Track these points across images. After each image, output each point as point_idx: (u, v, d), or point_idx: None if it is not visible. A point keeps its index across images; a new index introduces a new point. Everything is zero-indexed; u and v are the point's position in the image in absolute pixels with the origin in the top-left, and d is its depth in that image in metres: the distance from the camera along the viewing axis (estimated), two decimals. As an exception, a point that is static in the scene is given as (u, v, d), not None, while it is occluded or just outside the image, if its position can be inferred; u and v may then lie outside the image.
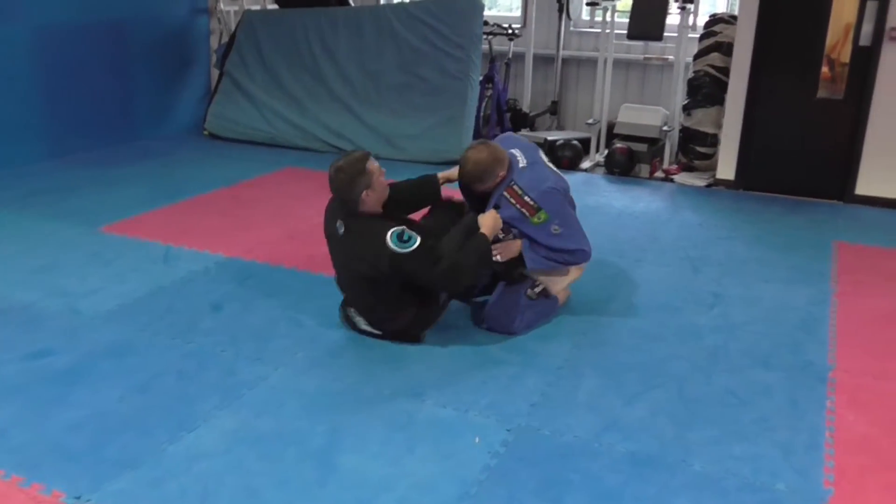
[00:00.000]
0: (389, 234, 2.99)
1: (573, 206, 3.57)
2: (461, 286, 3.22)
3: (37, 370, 3.03)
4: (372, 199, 3.11)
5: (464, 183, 3.42)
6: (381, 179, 3.14)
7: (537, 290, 3.43)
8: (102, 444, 2.57)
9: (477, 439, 2.63)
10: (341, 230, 3.16)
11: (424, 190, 3.57)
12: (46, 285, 3.82)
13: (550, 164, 3.58)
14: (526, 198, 3.28)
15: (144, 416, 2.74)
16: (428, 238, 3.05)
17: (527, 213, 3.29)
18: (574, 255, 3.43)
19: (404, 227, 3.04)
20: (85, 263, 4.12)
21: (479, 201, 3.44)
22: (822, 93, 5.50)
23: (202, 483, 2.38)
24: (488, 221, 3.24)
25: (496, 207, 3.33)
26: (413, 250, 2.98)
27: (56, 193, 5.35)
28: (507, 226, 3.33)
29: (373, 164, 3.12)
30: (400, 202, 3.35)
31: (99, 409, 2.77)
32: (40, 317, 3.49)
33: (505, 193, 3.31)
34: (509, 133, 3.78)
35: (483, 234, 3.18)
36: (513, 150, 3.43)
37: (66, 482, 2.37)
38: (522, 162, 3.38)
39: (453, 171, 3.50)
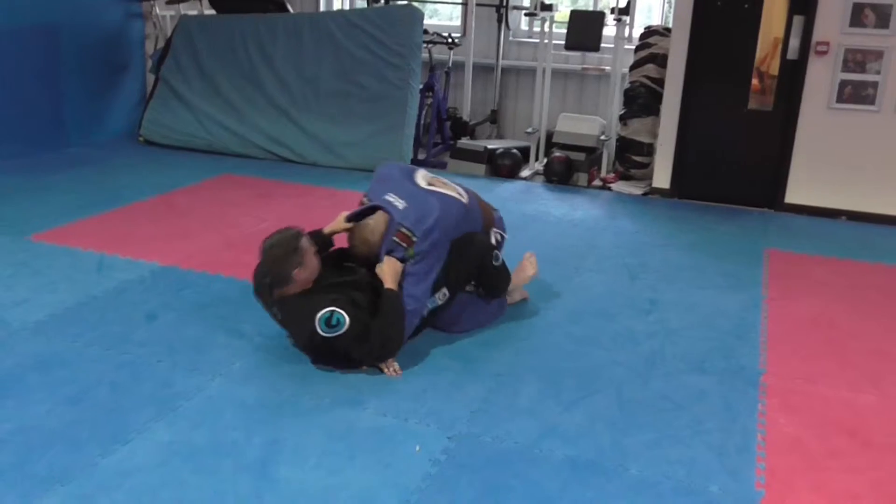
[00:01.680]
0: (318, 318, 2.96)
1: (476, 221, 3.51)
2: (394, 352, 3.13)
3: (-40, 384, 2.91)
4: (303, 278, 3.07)
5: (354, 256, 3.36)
6: (313, 258, 3.10)
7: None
8: (30, 460, 2.48)
9: (418, 448, 2.63)
10: (279, 316, 3.14)
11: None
12: (-29, 296, 3.68)
13: (433, 186, 3.48)
14: (413, 237, 3.19)
15: (75, 429, 2.66)
16: (357, 318, 3.00)
17: (407, 248, 3.20)
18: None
19: (333, 308, 2.97)
20: (13, 273, 3.98)
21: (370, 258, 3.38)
22: (752, 104, 5.68)
23: (136, 498, 2.32)
24: (388, 271, 3.16)
25: (389, 252, 3.23)
26: (341, 334, 2.97)
27: (-18, 201, 5.17)
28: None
29: (306, 242, 3.09)
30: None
31: (26, 423, 2.67)
32: (-36, 329, 3.37)
33: (395, 237, 3.21)
34: (384, 165, 3.67)
35: (390, 290, 3.12)
36: (386, 197, 3.32)
37: (-9, 500, 2.29)
38: (401, 203, 3.28)
39: (338, 224, 3.40)
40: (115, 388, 2.94)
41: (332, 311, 2.97)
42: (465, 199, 3.49)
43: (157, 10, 7.59)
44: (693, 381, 3.17)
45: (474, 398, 2.96)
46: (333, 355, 3.06)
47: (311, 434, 2.68)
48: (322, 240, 3.37)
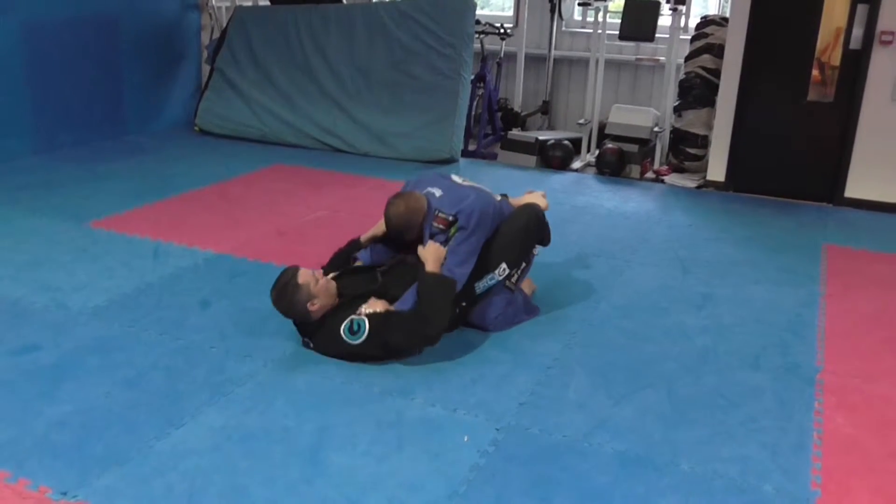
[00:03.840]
0: (342, 333, 3.03)
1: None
2: (437, 333, 3.11)
3: (24, 365, 3.00)
4: (319, 307, 3.08)
5: (393, 237, 3.42)
6: (319, 284, 3.09)
7: (513, 279, 3.42)
8: (89, 440, 2.55)
9: (466, 438, 2.63)
10: (311, 345, 3.17)
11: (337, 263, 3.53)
12: (34, 280, 3.79)
13: (468, 183, 3.55)
14: (450, 217, 3.29)
15: (132, 412, 2.72)
16: (375, 317, 3.03)
17: (447, 231, 3.29)
18: None
19: (351, 316, 3.03)
20: (73, 259, 4.09)
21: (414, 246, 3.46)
22: (812, 96, 5.53)
23: (189, 480, 2.37)
24: (430, 254, 3.21)
25: (431, 237, 3.32)
26: (369, 333, 3.01)
27: (44, 189, 5.31)
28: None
29: (304, 276, 3.08)
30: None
31: (86, 405, 2.75)
32: (27, 312, 3.47)
33: (434, 223, 3.32)
34: (424, 172, 3.78)
35: (430, 273, 3.15)
36: (429, 189, 3.43)
37: (52, 478, 2.35)
38: (438, 192, 3.39)
39: (377, 229, 3.49)
40: (169, 372, 3.00)
41: (351, 320, 3.04)
42: (497, 197, 3.52)
43: (213, 2, 7.71)
44: (747, 378, 3.11)
45: (523, 390, 2.95)
46: (377, 353, 3.07)
47: (361, 422, 2.70)
48: (343, 258, 3.45)
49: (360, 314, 3.06)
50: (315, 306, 3.06)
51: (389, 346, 3.06)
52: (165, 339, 3.26)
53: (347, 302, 3.14)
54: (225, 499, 2.30)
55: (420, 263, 3.19)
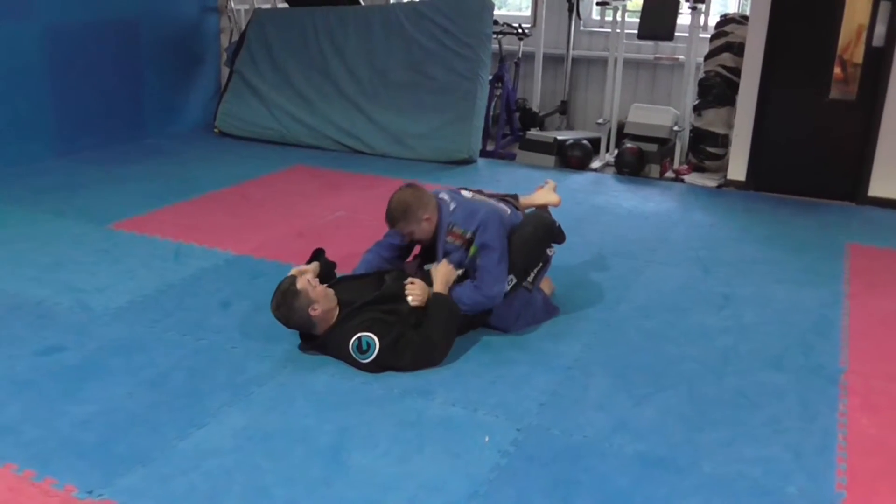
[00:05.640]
0: (351, 350, 3.02)
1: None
2: (440, 356, 3.11)
3: (48, 366, 3.04)
4: (321, 312, 3.07)
5: (387, 221, 3.41)
6: (317, 290, 3.08)
7: (530, 279, 3.41)
8: (113, 440, 2.57)
9: (487, 438, 2.63)
10: (330, 353, 3.16)
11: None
12: (57, 282, 3.83)
13: (479, 197, 3.56)
14: (467, 234, 3.29)
15: (154, 412, 2.74)
16: (386, 333, 3.01)
17: (466, 249, 3.30)
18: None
19: (360, 334, 3.01)
20: (95, 260, 4.13)
21: (428, 255, 3.51)
22: (834, 94, 5.48)
23: (211, 480, 2.39)
24: (440, 274, 3.24)
25: (446, 255, 3.34)
26: (378, 353, 2.99)
27: (66, 191, 5.36)
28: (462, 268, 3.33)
29: (302, 281, 3.07)
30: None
31: (109, 405, 2.77)
32: (51, 313, 3.50)
33: (448, 238, 3.33)
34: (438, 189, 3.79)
35: (438, 295, 3.17)
36: (441, 195, 3.45)
37: (77, 477, 2.38)
38: (452, 205, 3.40)
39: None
40: (191, 372, 3.02)
41: (360, 337, 3.00)
42: (507, 210, 3.50)
43: (232, 4, 7.75)
44: (769, 379, 3.08)
45: (543, 391, 2.94)
46: (386, 369, 3.05)
47: (381, 422, 2.71)
48: (326, 268, 3.40)
49: (367, 332, 3.00)
50: (317, 311, 3.04)
51: (398, 367, 3.04)
52: (187, 340, 3.28)
53: (354, 310, 3.09)
54: (246, 498, 2.31)
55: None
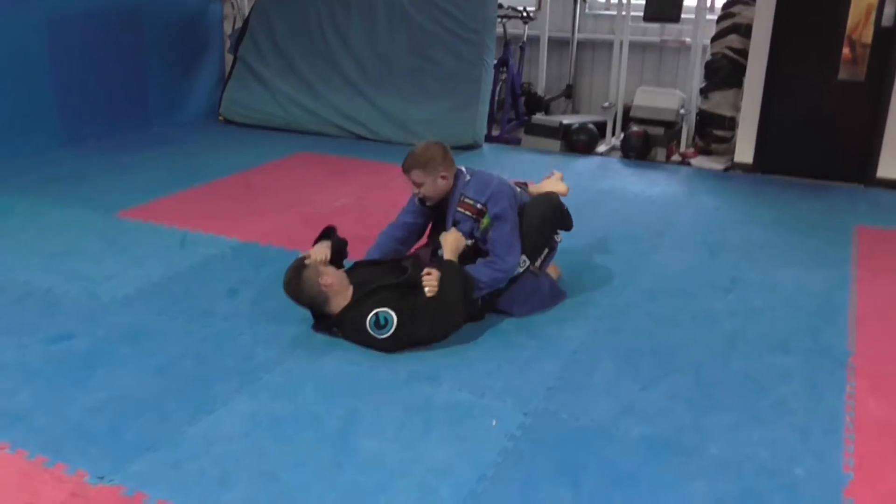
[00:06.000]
0: (368, 326, 3.03)
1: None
2: (457, 321, 3.14)
3: (57, 354, 3.05)
4: (332, 283, 3.08)
5: (404, 167, 3.38)
6: (325, 265, 3.13)
7: (537, 264, 3.41)
8: (123, 426, 2.59)
9: (494, 422, 2.63)
10: (339, 334, 3.18)
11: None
12: (65, 270, 3.85)
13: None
14: (478, 205, 3.30)
15: (163, 398, 2.76)
16: (404, 308, 3.03)
17: (477, 220, 3.31)
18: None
19: (377, 310, 3.02)
20: (102, 249, 4.14)
21: (438, 223, 3.50)
22: (842, 75, 5.44)
23: (221, 465, 2.40)
24: (450, 242, 3.25)
25: (455, 224, 3.35)
26: (395, 328, 3.01)
27: (72, 180, 5.37)
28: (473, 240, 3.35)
29: (310, 259, 3.14)
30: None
31: (119, 392, 2.79)
32: (60, 301, 3.52)
33: (459, 208, 3.34)
34: None
35: (448, 262, 3.19)
36: (461, 168, 3.45)
37: (88, 463, 2.39)
38: (468, 177, 3.41)
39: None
40: (199, 359, 3.03)
41: (377, 313, 3.02)
42: (517, 188, 3.51)
43: (236, -9, 7.73)
44: (776, 362, 3.08)
45: (550, 375, 2.95)
46: (405, 344, 3.07)
47: (389, 407, 2.72)
48: (337, 245, 3.38)
49: (385, 307, 3.02)
50: (328, 282, 3.06)
51: (417, 338, 3.06)
52: (195, 327, 3.29)
53: (371, 291, 3.11)
54: (256, 483, 2.33)
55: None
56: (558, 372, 2.97)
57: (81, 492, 2.28)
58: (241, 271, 3.88)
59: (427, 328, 3.06)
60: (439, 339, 3.12)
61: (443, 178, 3.35)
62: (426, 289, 3.13)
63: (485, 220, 3.29)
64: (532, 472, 2.40)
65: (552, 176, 3.93)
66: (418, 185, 3.36)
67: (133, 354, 3.06)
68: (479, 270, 3.26)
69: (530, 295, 3.41)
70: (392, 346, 3.04)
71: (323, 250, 3.24)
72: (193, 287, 3.69)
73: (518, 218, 3.35)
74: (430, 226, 3.60)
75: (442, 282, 3.12)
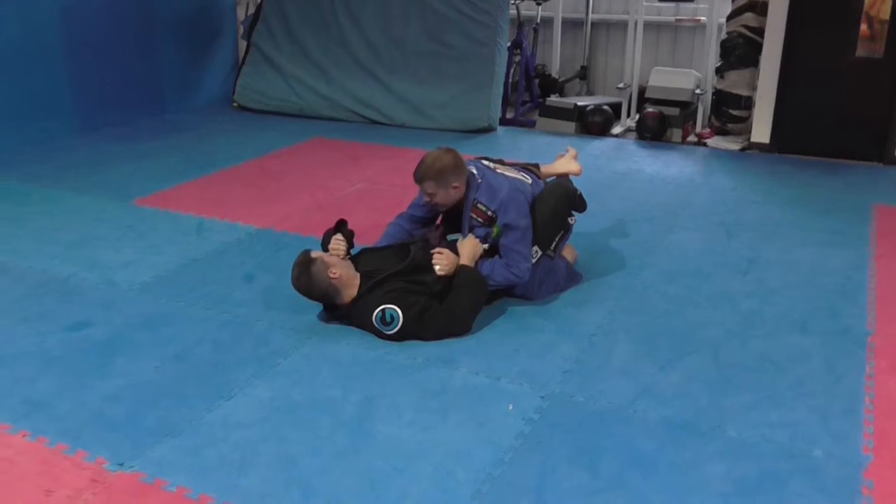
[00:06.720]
0: (374, 319, 3.03)
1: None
2: (465, 328, 3.12)
3: (76, 341, 3.08)
4: (341, 275, 3.07)
5: (415, 177, 3.34)
6: (330, 256, 3.14)
7: (552, 247, 3.39)
8: (142, 413, 2.61)
9: (511, 406, 2.63)
10: (356, 324, 3.17)
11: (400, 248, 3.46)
12: (83, 258, 3.87)
13: (507, 171, 3.48)
14: (489, 212, 3.27)
15: (181, 385, 2.78)
16: (411, 305, 3.03)
17: (489, 226, 3.29)
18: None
19: (384, 306, 3.02)
20: (120, 236, 4.17)
21: (451, 226, 3.48)
22: (860, 52, 5.37)
23: (240, 450, 2.42)
24: (466, 248, 3.24)
25: (471, 230, 3.32)
26: (401, 325, 3.01)
27: (88, 168, 5.40)
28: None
29: (317, 252, 3.14)
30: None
31: (137, 379, 2.81)
32: (78, 289, 3.55)
33: (472, 214, 3.30)
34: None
35: (464, 267, 3.18)
36: (471, 168, 3.38)
37: (108, 449, 2.42)
38: (479, 180, 3.34)
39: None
40: (217, 346, 3.05)
41: (384, 309, 3.02)
42: (528, 181, 3.47)
43: (248, -23, 7.71)
44: (795, 342, 3.06)
45: (567, 358, 2.94)
46: (413, 338, 3.07)
47: (406, 391, 2.72)
48: (348, 240, 3.37)
49: (392, 304, 3.02)
50: (336, 274, 3.07)
51: (422, 338, 3.06)
52: (212, 314, 3.31)
53: (379, 281, 3.10)
54: (274, 469, 2.34)
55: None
56: (575, 355, 2.97)
57: (101, 478, 2.30)
58: (258, 258, 3.89)
59: (432, 332, 3.06)
60: (443, 339, 3.09)
61: (455, 188, 3.29)
62: (437, 267, 3.13)
63: (496, 229, 3.27)
64: (549, 456, 2.40)
65: (566, 153, 3.90)
66: (431, 196, 3.32)
67: (151, 341, 3.08)
68: (496, 269, 3.25)
69: (546, 278, 3.40)
70: (398, 339, 3.05)
71: (341, 245, 3.25)
72: (210, 274, 3.71)
73: (531, 215, 3.30)
74: (440, 216, 3.58)
75: (455, 289, 3.11)
